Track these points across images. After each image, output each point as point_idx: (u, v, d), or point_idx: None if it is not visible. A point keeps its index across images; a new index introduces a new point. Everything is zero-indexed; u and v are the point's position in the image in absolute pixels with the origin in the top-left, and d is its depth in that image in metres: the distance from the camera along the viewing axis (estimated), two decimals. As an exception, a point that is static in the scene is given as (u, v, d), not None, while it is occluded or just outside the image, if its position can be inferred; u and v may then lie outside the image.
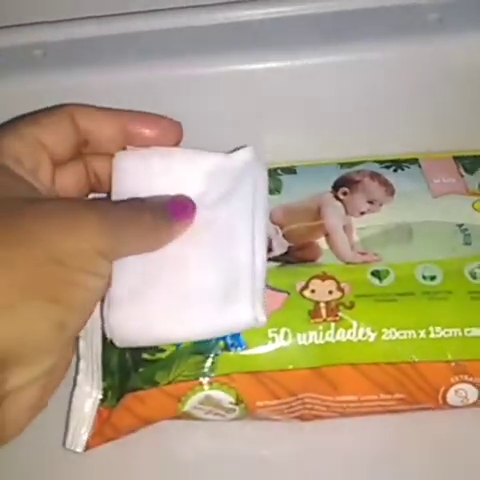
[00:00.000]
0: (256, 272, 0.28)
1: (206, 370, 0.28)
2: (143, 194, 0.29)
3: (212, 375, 0.28)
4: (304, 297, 0.29)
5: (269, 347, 0.28)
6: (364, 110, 0.38)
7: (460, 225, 0.31)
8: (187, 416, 0.29)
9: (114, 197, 0.30)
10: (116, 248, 0.26)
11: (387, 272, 0.30)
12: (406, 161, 0.35)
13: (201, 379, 0.28)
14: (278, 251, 0.31)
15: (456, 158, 0.35)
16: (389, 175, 0.34)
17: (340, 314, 0.28)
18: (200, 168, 0.30)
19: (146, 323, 0.27)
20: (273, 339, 0.28)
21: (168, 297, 0.27)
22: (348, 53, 0.36)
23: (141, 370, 0.28)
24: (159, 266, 0.28)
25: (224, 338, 0.28)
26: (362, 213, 0.32)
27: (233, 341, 0.28)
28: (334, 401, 0.29)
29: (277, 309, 0.29)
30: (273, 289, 0.29)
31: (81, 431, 0.29)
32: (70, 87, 0.36)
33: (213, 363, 0.28)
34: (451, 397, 0.28)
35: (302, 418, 0.30)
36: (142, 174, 0.30)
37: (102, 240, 0.25)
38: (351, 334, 0.28)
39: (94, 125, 0.29)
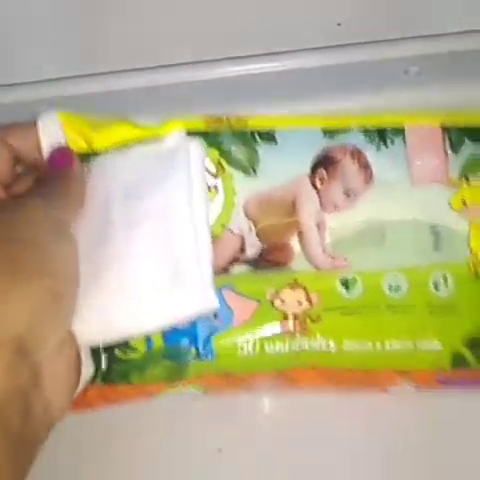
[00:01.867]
0: (201, 256, 0.29)
1: (178, 375, 0.30)
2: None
3: (184, 378, 0.30)
4: (274, 307, 0.30)
5: (238, 356, 0.30)
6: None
7: (433, 226, 0.32)
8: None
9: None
10: None
11: (355, 281, 0.31)
12: (392, 131, 0.33)
13: (173, 382, 0.30)
14: (250, 252, 0.31)
15: (444, 129, 0.33)
16: (371, 155, 0.33)
17: (307, 327, 0.30)
18: (131, 158, 0.30)
19: (102, 322, 0.28)
20: (242, 348, 0.30)
21: (117, 293, 0.28)
22: (331, 102, 0.36)
23: (115, 366, 0.30)
24: (101, 264, 0.28)
25: (196, 346, 0.30)
26: (337, 207, 0.32)
27: (204, 350, 0.30)
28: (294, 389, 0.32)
29: (247, 320, 0.30)
30: (244, 296, 0.30)
31: None
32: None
33: (184, 369, 0.30)
34: (393, 391, 0.32)
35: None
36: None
37: None
38: (314, 344, 0.30)
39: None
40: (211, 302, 0.28)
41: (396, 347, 0.30)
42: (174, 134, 0.31)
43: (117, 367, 0.30)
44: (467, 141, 0.33)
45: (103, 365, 0.30)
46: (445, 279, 0.31)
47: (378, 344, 0.30)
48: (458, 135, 0.33)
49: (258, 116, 0.34)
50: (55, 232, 0.27)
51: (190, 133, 0.32)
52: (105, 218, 0.30)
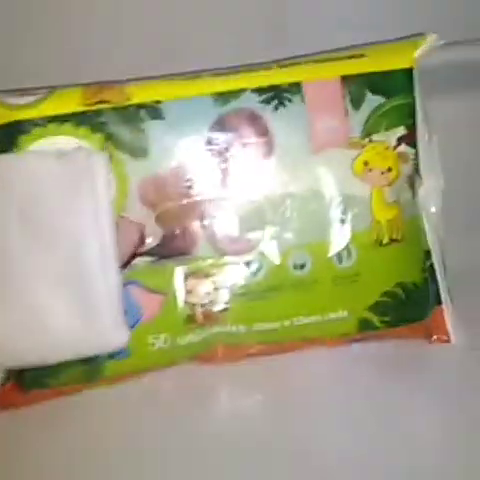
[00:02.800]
0: (111, 287, 0.28)
1: (94, 376, 0.30)
2: None
3: (100, 378, 0.30)
4: (181, 299, 0.30)
5: (151, 351, 0.30)
6: None
7: (335, 197, 0.31)
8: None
9: None
10: None
11: (260, 264, 0.30)
12: (289, 88, 0.31)
13: (90, 383, 0.30)
14: (152, 242, 0.30)
15: (344, 81, 0.31)
16: (269, 115, 0.31)
17: (216, 316, 0.30)
18: (26, 167, 0.28)
19: (7, 349, 0.28)
20: (153, 344, 0.30)
21: (24, 323, 0.28)
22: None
23: (27, 373, 0.30)
24: (8, 291, 0.28)
25: (107, 347, 0.30)
26: (238, 182, 0.30)
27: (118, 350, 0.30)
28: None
29: (155, 315, 0.30)
30: (149, 290, 0.30)
31: None
32: None
33: (100, 370, 0.30)
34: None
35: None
36: None
37: None
38: (225, 329, 0.31)
39: None
40: (122, 340, 0.28)
41: (304, 322, 0.31)
42: (75, 148, 0.29)
43: (29, 374, 0.30)
44: (369, 94, 0.32)
45: (14, 373, 0.30)
46: (349, 250, 0.31)
47: (286, 322, 0.31)
48: (359, 87, 0.32)
49: (139, 85, 0.30)
50: None
51: (68, 116, 0.29)
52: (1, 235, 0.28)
